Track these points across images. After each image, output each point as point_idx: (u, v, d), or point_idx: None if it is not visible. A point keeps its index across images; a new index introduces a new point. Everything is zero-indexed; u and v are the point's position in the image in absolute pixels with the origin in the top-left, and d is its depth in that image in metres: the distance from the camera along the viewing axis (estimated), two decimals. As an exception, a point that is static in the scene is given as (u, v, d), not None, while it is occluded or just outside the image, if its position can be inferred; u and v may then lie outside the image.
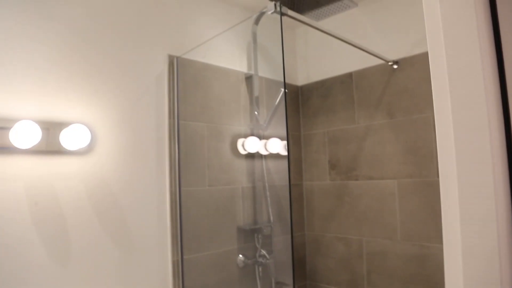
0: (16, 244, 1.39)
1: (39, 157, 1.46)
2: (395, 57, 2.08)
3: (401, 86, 2.06)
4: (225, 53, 2.16)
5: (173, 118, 1.87)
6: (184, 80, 1.93)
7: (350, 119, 2.29)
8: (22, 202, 1.41)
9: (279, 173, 2.23)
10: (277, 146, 2.19)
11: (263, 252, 2.10)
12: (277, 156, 2.24)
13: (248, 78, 2.22)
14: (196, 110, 1.96)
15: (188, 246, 1.86)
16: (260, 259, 2.10)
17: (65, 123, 1.52)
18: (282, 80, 1.69)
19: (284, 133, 2.15)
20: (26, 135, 1.35)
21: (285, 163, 2.23)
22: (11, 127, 1.35)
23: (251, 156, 2.19)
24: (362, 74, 2.24)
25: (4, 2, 1.44)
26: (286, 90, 2.48)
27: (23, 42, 1.46)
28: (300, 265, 2.47)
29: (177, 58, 1.91)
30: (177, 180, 1.85)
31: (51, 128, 1.48)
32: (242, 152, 2.14)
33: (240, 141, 2.13)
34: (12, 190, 1.40)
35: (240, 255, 2.07)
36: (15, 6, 1.45)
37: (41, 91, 1.49)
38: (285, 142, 2.19)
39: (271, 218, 2.19)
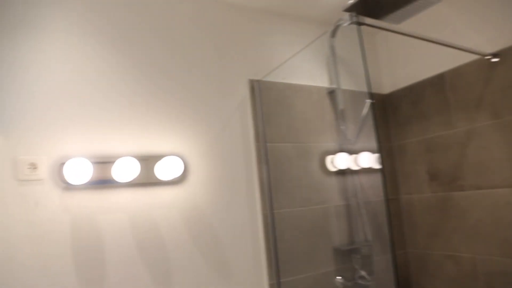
0: (124, 269, 1.50)
1: (138, 189, 1.57)
2: (493, 49, 1.86)
3: (505, 81, 1.83)
4: (305, 70, 2.13)
5: (260, 141, 1.88)
6: (267, 103, 1.94)
7: (447, 123, 2.09)
8: (127, 230, 1.53)
9: (373, 188, 2.11)
10: (369, 160, 2.08)
11: (363, 273, 1.98)
12: (369, 170, 2.12)
13: (331, 93, 2.16)
14: (282, 131, 1.95)
15: (284, 269, 1.82)
16: (360, 281, 1.98)
17: (159, 155, 1.61)
18: (367, 90, 1.61)
19: (374, 145, 2.03)
20: (126, 170, 1.46)
21: (378, 177, 2.10)
22: (113, 162, 1.48)
23: (341, 172, 2.10)
24: (455, 73, 2.05)
25: (105, 51, 1.60)
26: (373, 100, 2.37)
27: (118, 86, 1.61)
28: (405, 287, 2.28)
29: (258, 81, 1.93)
30: (268, 202, 1.84)
31: (147, 161, 1.58)
32: (332, 169, 2.07)
33: (329, 158, 2.07)
34: (118, 220, 1.52)
35: (338, 277, 1.97)
36: (111, 51, 1.61)
37: (135, 128, 1.61)
38: (377, 155, 2.07)
39: (369, 236, 2.07)
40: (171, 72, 1.73)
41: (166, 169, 1.55)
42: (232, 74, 1.89)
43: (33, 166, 1.42)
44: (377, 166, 2.09)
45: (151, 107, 1.66)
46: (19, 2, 1.50)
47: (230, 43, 1.92)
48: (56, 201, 1.44)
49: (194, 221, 1.66)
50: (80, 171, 1.40)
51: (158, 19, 1.76)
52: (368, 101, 1.97)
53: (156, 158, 1.59)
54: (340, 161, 2.06)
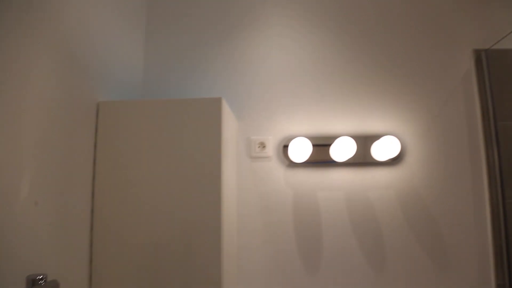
0: (338, 243, 1.57)
1: (354, 168, 1.60)
2: None
3: None
4: (549, 32, 1.73)
5: (489, 119, 1.63)
6: (497, 75, 1.66)
7: None
8: (343, 208, 1.59)
9: None
10: None
11: None
12: None
13: None
14: (518, 107, 1.65)
15: (517, 270, 1.56)
16: None
17: (375, 135, 1.59)
18: None
19: None
20: (343, 149, 1.49)
21: None
22: (331, 142, 1.53)
23: None
24: None
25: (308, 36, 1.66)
26: None
27: (336, 70, 1.65)
28: None
29: (485, 51, 1.67)
30: (499, 190, 1.59)
31: (363, 141, 1.58)
32: None
33: None
34: (335, 198, 1.59)
35: None
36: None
37: (353, 108, 1.64)
38: None
39: None
40: (388, 49, 1.69)
41: (383, 149, 1.52)
42: (453, 46, 1.69)
43: (262, 145, 1.61)
44: None
45: (368, 87, 1.66)
46: (251, 7, 1.71)
47: (450, 11, 1.72)
48: (280, 177, 1.60)
49: (411, 204, 1.58)
50: (301, 151, 1.51)
51: (370, -4, 1.72)
52: None
53: (373, 138, 1.58)
54: None
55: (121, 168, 1.29)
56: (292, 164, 1.60)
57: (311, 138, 1.58)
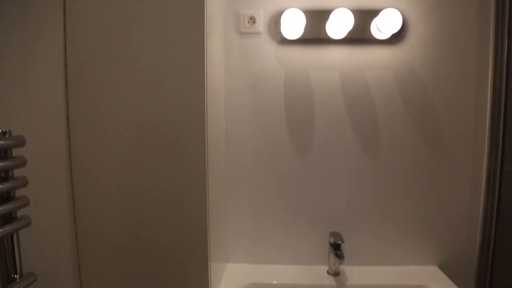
0: (332, 125, 1.52)
1: (351, 46, 1.48)
2: None
3: None
4: None
5: (503, 7, 1.46)
6: None
7: None
8: (337, 88, 1.50)
9: None
10: None
11: None
12: None
13: None
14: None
15: (510, 156, 1.53)
16: None
17: (376, 10, 1.44)
18: None
19: None
20: (340, 24, 1.35)
21: None
22: (327, 17, 1.39)
23: None
24: None
25: None
26: None
27: None
28: None
29: None
30: (503, 78, 1.49)
31: (362, 15, 1.44)
32: None
33: None
34: (328, 78, 1.50)
35: None
36: None
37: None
38: None
39: None
40: None
41: (383, 25, 1.38)
42: None
43: (252, 20, 1.47)
44: None
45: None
46: None
47: None
48: (271, 55, 1.49)
49: (409, 86, 1.49)
50: (294, 25, 1.37)
51: None
52: None
53: (373, 13, 1.43)
54: None
55: (94, 49, 1.18)
56: (284, 41, 1.47)
57: (305, 12, 1.43)
